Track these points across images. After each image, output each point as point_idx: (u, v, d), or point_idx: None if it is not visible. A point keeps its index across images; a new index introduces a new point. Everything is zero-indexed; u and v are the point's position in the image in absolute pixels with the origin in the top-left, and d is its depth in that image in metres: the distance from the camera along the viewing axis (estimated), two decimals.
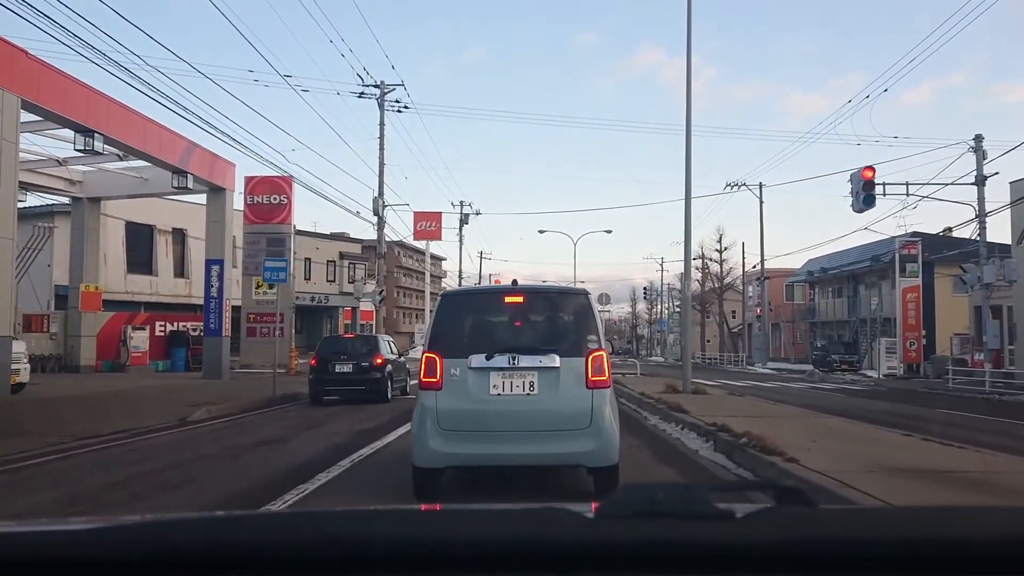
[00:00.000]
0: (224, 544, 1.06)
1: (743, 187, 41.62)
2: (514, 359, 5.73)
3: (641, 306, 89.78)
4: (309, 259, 45.95)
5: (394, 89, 28.83)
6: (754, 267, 46.63)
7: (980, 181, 23.46)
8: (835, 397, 20.06)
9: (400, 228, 55.79)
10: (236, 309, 26.00)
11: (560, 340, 6.03)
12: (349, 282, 45.84)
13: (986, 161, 23.58)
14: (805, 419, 11.40)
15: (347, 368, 15.44)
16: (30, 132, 17.78)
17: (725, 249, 56.32)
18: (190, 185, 21.45)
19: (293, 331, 31.03)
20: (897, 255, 31.76)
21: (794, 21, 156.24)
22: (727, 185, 41.85)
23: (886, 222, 78.47)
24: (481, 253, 73.24)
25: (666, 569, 0.98)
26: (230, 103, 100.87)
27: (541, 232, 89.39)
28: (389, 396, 15.80)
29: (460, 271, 49.17)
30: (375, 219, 28.64)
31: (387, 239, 30.54)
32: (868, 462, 6.81)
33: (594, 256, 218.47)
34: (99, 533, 1.12)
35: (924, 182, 24.23)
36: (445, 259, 77.85)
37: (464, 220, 46.62)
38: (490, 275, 58.19)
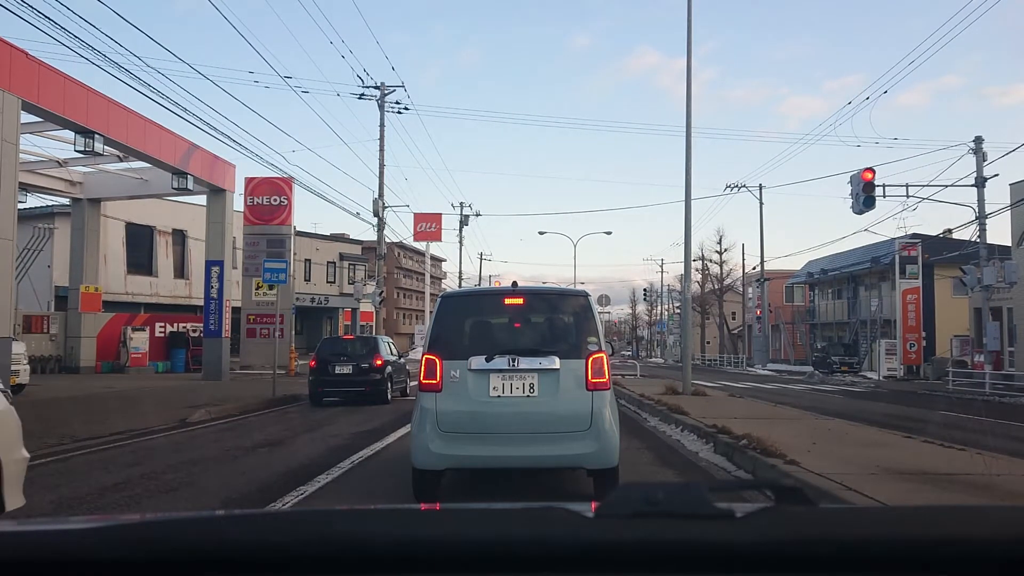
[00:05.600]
0: (224, 544, 1.06)
1: (743, 189, 41.68)
2: (514, 361, 5.72)
3: (641, 307, 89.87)
4: (309, 260, 45.95)
5: (394, 91, 28.87)
6: (754, 268, 46.66)
7: (980, 183, 23.46)
8: (835, 399, 20.05)
9: (400, 229, 55.72)
10: (236, 310, 25.99)
11: (560, 342, 6.02)
12: (349, 283, 45.85)
13: (986, 163, 23.61)
14: (805, 421, 11.40)
15: (347, 369, 15.44)
16: (30, 133, 17.79)
17: (725, 250, 56.48)
18: (190, 186, 21.46)
19: (293, 332, 31.02)
20: (897, 257, 31.77)
21: (791, 24, 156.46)
22: (727, 187, 41.95)
23: (886, 224, 78.50)
24: (481, 254, 73.43)
25: (666, 569, 0.98)
26: (230, 104, 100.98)
27: (541, 233, 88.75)
28: (389, 397, 15.79)
29: (460, 272, 49.20)
30: (375, 220, 28.66)
31: (387, 240, 30.54)
32: (869, 464, 6.81)
33: (594, 257, 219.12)
34: (99, 533, 1.12)
35: (924, 184, 24.33)
36: (445, 260, 77.94)
37: (464, 221, 46.67)
38: (490, 276, 58.27)
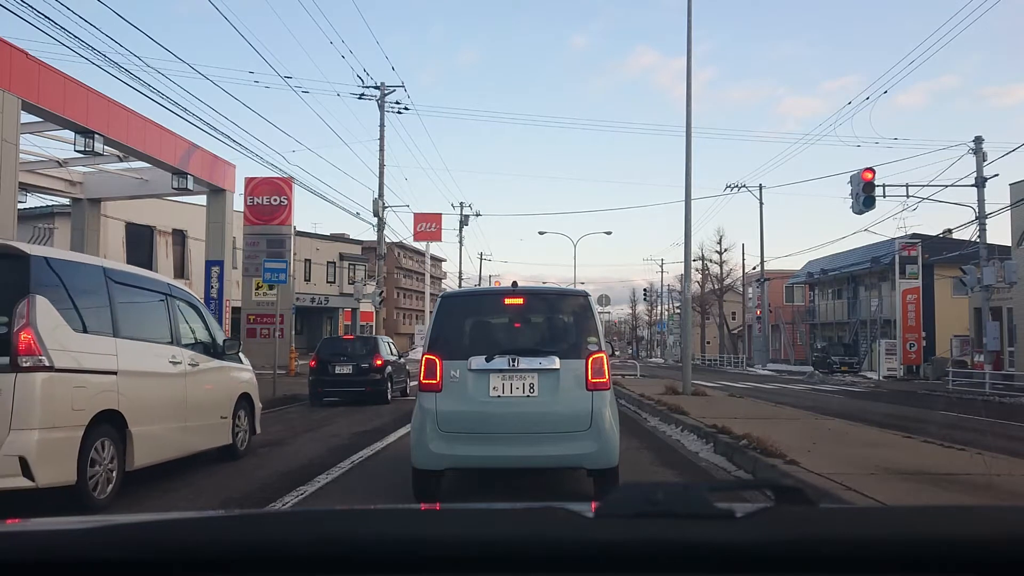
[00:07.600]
0: (224, 544, 1.06)
1: (743, 189, 41.68)
2: (514, 361, 5.72)
3: (641, 307, 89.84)
4: (309, 260, 45.95)
5: (394, 90, 28.84)
6: (754, 268, 46.67)
7: (980, 183, 23.47)
8: (835, 399, 20.06)
9: (400, 229, 55.71)
10: (236, 310, 25.98)
11: (560, 342, 6.02)
12: (349, 283, 45.87)
13: (986, 163, 23.62)
14: (805, 421, 11.40)
15: (347, 369, 15.44)
16: (30, 133, 17.78)
17: (725, 250, 56.45)
18: (190, 186, 21.44)
19: (293, 332, 31.01)
20: (897, 257, 31.76)
21: (789, 24, 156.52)
22: (727, 187, 41.97)
23: (886, 224, 78.18)
24: (481, 254, 73.34)
25: (666, 569, 0.98)
26: (230, 104, 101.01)
27: (541, 233, 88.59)
28: (389, 397, 15.80)
29: (460, 272, 49.17)
30: (375, 220, 28.65)
31: (387, 240, 30.53)
32: (869, 464, 6.81)
33: (594, 257, 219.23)
34: (99, 533, 1.12)
35: (924, 184, 24.33)
36: (445, 260, 77.84)
37: (464, 221, 46.64)
38: (490, 276, 58.23)
